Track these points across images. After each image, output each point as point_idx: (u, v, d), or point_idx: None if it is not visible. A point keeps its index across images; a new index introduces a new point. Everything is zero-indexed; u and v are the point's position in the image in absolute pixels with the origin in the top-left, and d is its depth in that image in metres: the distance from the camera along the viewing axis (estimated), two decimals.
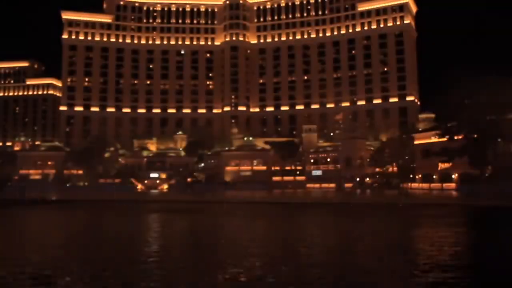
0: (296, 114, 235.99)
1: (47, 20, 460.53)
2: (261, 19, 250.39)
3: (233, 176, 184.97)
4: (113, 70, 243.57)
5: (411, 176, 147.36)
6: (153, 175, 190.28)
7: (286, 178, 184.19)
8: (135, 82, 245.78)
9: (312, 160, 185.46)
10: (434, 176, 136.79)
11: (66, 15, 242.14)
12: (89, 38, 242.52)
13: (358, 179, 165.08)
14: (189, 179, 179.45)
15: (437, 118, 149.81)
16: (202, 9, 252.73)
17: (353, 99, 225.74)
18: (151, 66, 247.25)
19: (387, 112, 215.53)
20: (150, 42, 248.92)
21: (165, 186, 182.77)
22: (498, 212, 55.53)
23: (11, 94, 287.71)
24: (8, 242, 31.73)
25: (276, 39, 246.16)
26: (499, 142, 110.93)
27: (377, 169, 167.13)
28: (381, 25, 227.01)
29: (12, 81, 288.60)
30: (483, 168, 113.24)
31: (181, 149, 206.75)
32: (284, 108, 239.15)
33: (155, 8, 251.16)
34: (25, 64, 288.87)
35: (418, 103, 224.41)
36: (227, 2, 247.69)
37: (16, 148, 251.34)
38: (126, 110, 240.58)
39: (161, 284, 18.68)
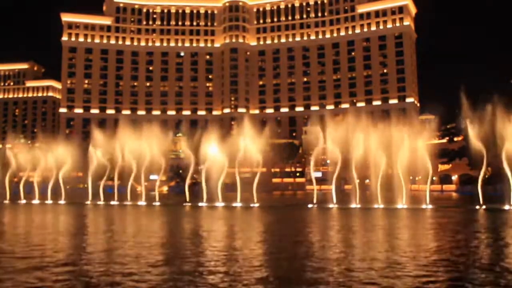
0: (296, 116, 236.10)
1: (47, 22, 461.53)
2: (261, 21, 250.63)
3: (233, 178, 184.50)
4: (113, 72, 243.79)
5: (410, 177, 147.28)
6: (153, 177, 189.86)
7: (286, 179, 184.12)
8: (135, 84, 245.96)
9: (312, 162, 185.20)
10: (434, 178, 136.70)
11: (66, 17, 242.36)
12: (89, 40, 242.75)
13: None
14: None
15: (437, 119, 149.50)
16: (202, 11, 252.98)
17: (352, 101, 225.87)
18: (150, 68, 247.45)
19: (387, 113, 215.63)
20: (150, 44, 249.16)
21: (165, 188, 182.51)
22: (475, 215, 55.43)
23: (10, 96, 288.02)
24: None
25: (275, 41, 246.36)
26: (499, 144, 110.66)
27: None
28: (381, 27, 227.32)
29: (12, 83, 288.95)
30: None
31: (180, 151, 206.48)
32: (284, 109, 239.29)
33: (154, 10, 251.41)
34: (25, 66, 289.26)
35: (418, 104, 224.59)
36: (227, 4, 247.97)
37: (16, 150, 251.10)
38: (126, 112, 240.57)
39: None
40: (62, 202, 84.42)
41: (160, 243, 31.52)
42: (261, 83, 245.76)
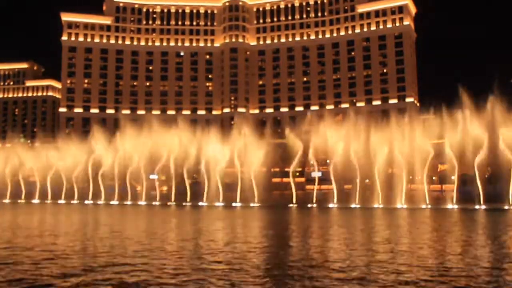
0: (296, 116, 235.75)
1: (47, 22, 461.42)
2: (261, 21, 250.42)
3: (233, 177, 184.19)
4: (113, 72, 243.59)
5: (410, 177, 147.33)
6: (153, 176, 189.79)
7: (285, 179, 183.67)
8: (135, 83, 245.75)
9: (311, 161, 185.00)
10: (434, 178, 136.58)
11: (66, 17, 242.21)
12: (89, 39, 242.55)
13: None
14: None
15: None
16: (202, 10, 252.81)
17: (352, 101, 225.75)
18: (150, 67, 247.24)
19: (387, 113, 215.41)
20: (150, 43, 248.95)
21: (164, 188, 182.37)
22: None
23: (10, 95, 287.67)
24: None
25: (275, 41, 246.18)
26: (499, 143, 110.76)
27: None
28: (381, 27, 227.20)
29: (11, 83, 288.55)
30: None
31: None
32: (284, 109, 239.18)
33: (154, 10, 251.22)
34: (24, 65, 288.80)
35: (418, 104, 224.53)
36: (227, 3, 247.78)
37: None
38: (126, 111, 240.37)
39: None
40: (61, 201, 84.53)
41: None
42: (261, 82, 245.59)
